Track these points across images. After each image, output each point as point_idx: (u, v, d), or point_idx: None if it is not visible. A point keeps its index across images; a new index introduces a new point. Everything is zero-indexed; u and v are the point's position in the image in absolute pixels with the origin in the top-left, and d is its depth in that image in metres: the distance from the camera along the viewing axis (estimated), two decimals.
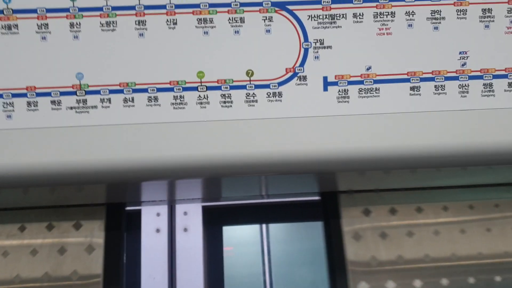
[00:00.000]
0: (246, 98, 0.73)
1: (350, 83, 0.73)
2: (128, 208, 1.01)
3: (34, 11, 0.71)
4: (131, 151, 0.72)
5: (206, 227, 1.10)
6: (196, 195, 1.01)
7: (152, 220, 1.08)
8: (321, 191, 0.98)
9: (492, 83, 0.73)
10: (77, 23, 0.71)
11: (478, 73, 0.73)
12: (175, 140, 0.72)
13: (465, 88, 0.73)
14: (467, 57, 0.73)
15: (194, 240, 1.09)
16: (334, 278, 0.91)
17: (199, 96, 0.72)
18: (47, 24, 0.71)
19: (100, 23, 0.71)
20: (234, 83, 0.73)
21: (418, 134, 0.72)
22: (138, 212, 1.08)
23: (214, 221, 1.14)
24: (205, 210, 1.11)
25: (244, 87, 0.73)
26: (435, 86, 0.73)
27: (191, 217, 1.11)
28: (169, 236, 1.07)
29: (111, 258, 0.91)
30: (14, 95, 0.71)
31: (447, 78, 0.73)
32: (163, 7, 0.72)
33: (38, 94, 0.71)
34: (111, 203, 0.94)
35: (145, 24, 0.72)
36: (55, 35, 0.71)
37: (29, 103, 0.71)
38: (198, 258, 1.08)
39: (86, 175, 0.71)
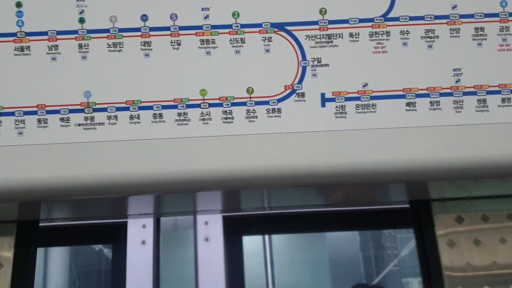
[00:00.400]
0: (247, 114, 0.75)
1: (347, 99, 0.75)
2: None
3: (45, 33, 0.74)
4: (137, 166, 0.74)
5: (227, 237, 1.12)
6: (216, 207, 1.03)
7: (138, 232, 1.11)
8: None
9: (485, 99, 0.75)
10: (85, 44, 0.75)
11: (472, 89, 0.75)
12: (179, 155, 0.75)
13: (459, 104, 0.75)
14: (461, 73, 0.75)
15: (215, 249, 1.11)
16: (430, 283, 0.91)
17: (202, 112, 0.75)
18: (57, 46, 0.74)
19: (108, 44, 0.75)
20: (235, 100, 0.75)
21: (413, 148, 0.73)
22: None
23: (234, 231, 1.15)
24: (226, 220, 1.12)
25: (244, 103, 0.75)
26: (431, 102, 0.75)
27: (211, 227, 1.13)
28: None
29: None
30: (25, 113, 0.74)
31: (442, 94, 0.75)
32: (168, 28, 0.75)
33: (48, 112, 0.74)
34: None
35: (150, 45, 0.75)
36: (65, 55, 0.74)
37: (39, 120, 0.74)
38: (219, 267, 1.10)
39: (97, 189, 0.74)
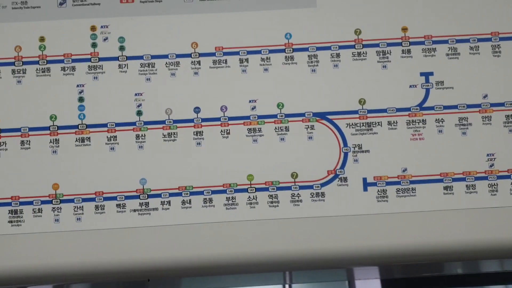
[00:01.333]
0: (291, 198, 0.79)
1: (388, 183, 0.78)
2: None
3: (104, 125, 0.79)
4: (188, 249, 0.77)
5: None
6: None
7: None
8: None
9: None
10: (142, 135, 0.79)
11: (506, 173, 0.78)
12: (228, 239, 0.78)
13: (494, 187, 0.78)
14: (495, 158, 0.78)
15: None
16: None
17: (249, 197, 0.79)
18: (115, 137, 0.79)
19: (163, 134, 0.80)
20: (280, 185, 0.79)
21: (452, 230, 0.76)
22: None
23: None
24: None
25: (289, 188, 0.79)
26: (467, 186, 0.78)
27: None
28: None
29: None
30: (84, 200, 0.78)
31: (477, 178, 0.78)
32: (218, 119, 0.80)
33: (105, 199, 0.78)
34: None
35: (202, 135, 0.80)
36: (122, 145, 0.79)
37: (96, 207, 0.78)
38: None
39: (149, 271, 0.77)
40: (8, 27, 0.81)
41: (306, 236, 0.78)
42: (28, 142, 0.79)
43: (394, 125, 0.80)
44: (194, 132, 0.80)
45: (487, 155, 0.79)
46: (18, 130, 0.80)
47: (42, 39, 0.81)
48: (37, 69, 0.80)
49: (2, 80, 0.80)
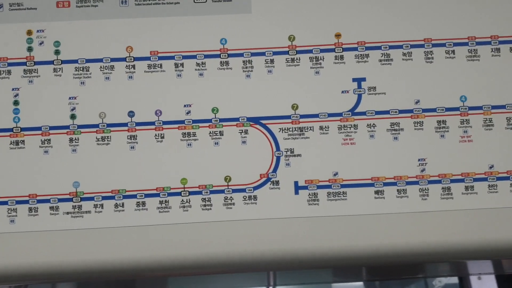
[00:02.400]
0: (224, 201, 0.78)
1: (319, 187, 0.78)
2: None
3: (39, 128, 0.79)
4: (123, 252, 0.76)
5: None
6: None
7: None
8: None
9: (450, 187, 0.77)
10: (75, 138, 0.79)
11: (437, 178, 0.77)
12: (159, 241, 0.77)
13: (425, 192, 0.77)
14: (426, 163, 0.78)
15: None
16: None
17: (182, 200, 0.78)
18: (49, 140, 0.79)
19: (96, 138, 0.79)
20: (214, 188, 0.78)
21: (382, 234, 0.75)
22: None
23: None
24: None
25: (222, 191, 0.78)
26: (398, 190, 0.77)
27: None
28: None
29: None
30: (17, 202, 0.77)
31: (408, 183, 0.77)
32: (153, 123, 0.79)
33: (39, 201, 0.77)
34: None
35: (136, 138, 0.79)
36: (56, 149, 0.78)
37: (30, 209, 0.77)
38: None
39: (84, 273, 0.75)
40: None
41: (238, 238, 0.77)
42: None
43: (325, 130, 0.79)
44: (128, 136, 0.79)
45: (419, 160, 0.78)
46: None
47: None
48: None
49: None
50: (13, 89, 0.80)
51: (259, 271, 0.80)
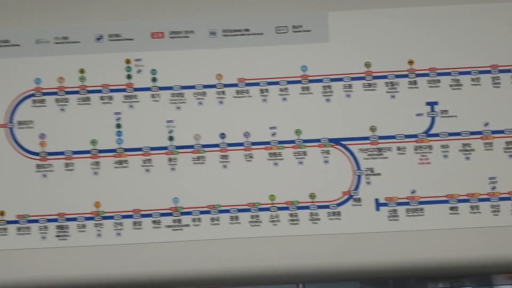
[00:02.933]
0: (310, 216, 0.84)
1: (398, 204, 0.84)
2: None
3: (140, 149, 0.86)
4: (219, 262, 0.83)
5: None
6: None
7: None
8: None
9: None
10: (174, 158, 0.86)
11: (507, 195, 0.83)
12: (252, 253, 0.84)
13: (496, 208, 0.83)
14: (496, 181, 0.84)
15: None
16: None
17: (271, 215, 0.84)
18: (150, 159, 0.86)
19: (192, 157, 0.86)
20: (300, 204, 0.85)
21: (458, 247, 0.81)
22: None
23: None
24: None
25: (308, 207, 0.84)
26: (471, 206, 0.83)
27: None
28: None
29: None
30: (123, 217, 0.85)
31: (480, 199, 0.83)
32: (242, 144, 0.86)
33: (142, 215, 0.85)
34: None
35: (227, 158, 0.85)
36: (156, 167, 0.85)
37: (134, 223, 0.85)
38: None
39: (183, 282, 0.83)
40: (51, 60, 0.87)
41: (323, 251, 0.83)
42: (72, 164, 0.86)
43: (403, 150, 0.85)
44: (220, 155, 0.86)
45: (489, 178, 0.84)
46: (62, 153, 0.86)
47: (82, 71, 0.87)
48: (78, 98, 0.87)
49: (47, 108, 0.87)
50: (115, 113, 0.87)
51: (348, 281, 0.87)
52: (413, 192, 0.85)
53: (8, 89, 0.87)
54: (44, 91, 0.87)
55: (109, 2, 0.88)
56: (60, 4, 0.88)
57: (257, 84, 0.87)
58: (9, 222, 0.85)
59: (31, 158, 0.86)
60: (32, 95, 0.87)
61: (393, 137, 0.86)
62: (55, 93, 0.87)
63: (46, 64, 0.87)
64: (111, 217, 0.85)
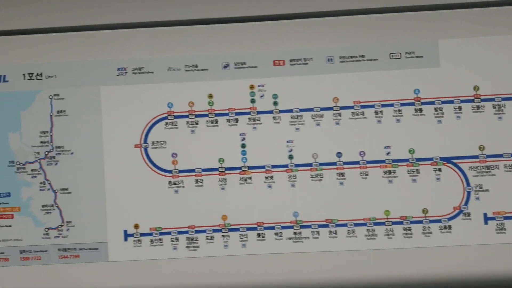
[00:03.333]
0: (423, 230, 0.98)
1: (506, 217, 0.97)
2: None
3: (263, 167, 1.01)
4: (338, 272, 0.98)
5: None
6: None
7: None
8: None
9: None
10: (293, 176, 1.01)
11: None
12: (367, 264, 0.98)
13: None
14: None
15: None
16: None
17: (386, 229, 0.98)
18: (272, 176, 1.01)
19: (310, 175, 1.01)
20: (413, 219, 0.98)
21: None
22: None
23: None
24: None
25: (421, 221, 0.98)
26: None
27: None
28: None
29: None
30: (248, 229, 1.00)
31: None
32: (357, 163, 1.01)
33: (265, 228, 1.00)
34: None
35: (344, 176, 1.00)
36: (278, 184, 1.00)
37: (258, 235, 1.00)
38: None
39: None
40: (182, 86, 1.04)
41: (435, 263, 0.97)
42: (201, 181, 1.02)
43: (509, 168, 0.99)
44: (337, 173, 1.01)
45: None
46: (193, 171, 1.02)
47: (210, 96, 1.04)
48: (207, 120, 1.03)
49: (178, 129, 1.04)
50: (240, 134, 1.03)
51: None
52: None
53: (143, 112, 1.04)
54: (176, 114, 1.04)
55: (235, 33, 1.04)
56: (190, 34, 1.05)
57: (372, 106, 1.02)
58: (143, 234, 1.02)
59: (164, 176, 1.03)
60: (165, 118, 1.04)
61: (500, 155, 1.00)
62: (186, 116, 1.04)
63: (178, 90, 1.04)
64: (237, 229, 1.01)
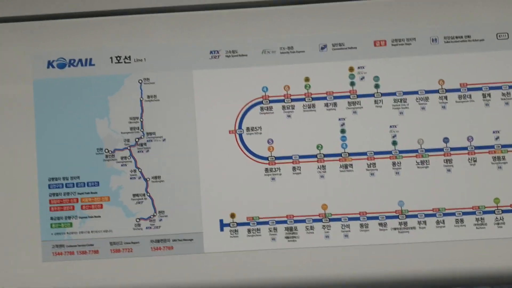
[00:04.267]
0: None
1: None
2: None
3: (364, 153, 0.99)
4: (445, 263, 0.96)
5: None
6: None
7: None
8: None
9: None
10: (398, 162, 0.99)
11: None
12: (478, 255, 0.96)
13: None
14: None
15: None
16: None
17: (496, 218, 0.97)
18: (374, 164, 0.99)
19: (416, 162, 0.98)
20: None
21: None
22: None
23: None
24: None
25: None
26: None
27: None
28: None
29: None
30: (350, 219, 0.98)
31: None
32: (465, 148, 0.98)
33: (368, 218, 0.98)
34: None
35: (451, 162, 0.98)
36: (380, 171, 0.98)
37: (361, 225, 0.98)
38: None
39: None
40: (277, 69, 1.02)
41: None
42: (299, 168, 1.00)
43: None
44: (444, 160, 0.99)
45: None
46: (290, 157, 1.00)
47: (307, 79, 1.02)
48: (303, 105, 1.01)
49: (274, 115, 1.02)
50: (339, 119, 1.01)
51: None
52: None
53: (236, 97, 1.02)
54: (271, 98, 1.02)
55: (332, 13, 1.02)
56: (285, 15, 1.03)
57: (479, 89, 1.00)
58: (239, 224, 1.00)
59: (260, 162, 1.01)
60: (260, 102, 1.02)
61: None
62: (281, 101, 1.02)
63: (273, 73, 1.02)
64: (338, 219, 0.99)
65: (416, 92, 1.03)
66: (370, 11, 1.04)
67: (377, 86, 1.03)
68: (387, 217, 1.01)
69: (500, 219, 0.99)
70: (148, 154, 1.04)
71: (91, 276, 1.02)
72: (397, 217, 1.01)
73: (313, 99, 1.04)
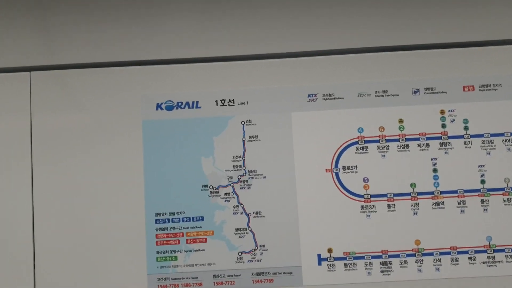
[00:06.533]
0: None
1: None
2: None
3: (455, 192, 1.14)
4: None
5: None
6: None
7: None
8: None
9: None
10: (486, 200, 1.14)
11: None
12: None
13: None
14: None
15: None
16: None
17: None
18: (464, 201, 1.15)
19: (503, 199, 1.14)
20: None
21: None
22: None
23: None
24: None
25: None
26: None
27: None
28: None
29: None
30: (441, 253, 1.13)
31: None
32: None
33: (459, 252, 1.12)
34: None
35: None
36: (471, 208, 1.13)
37: (452, 259, 1.12)
38: None
39: None
40: (372, 111, 1.16)
41: None
42: (393, 206, 1.15)
43: None
44: None
45: None
46: (385, 195, 1.15)
47: (401, 121, 1.16)
48: (397, 145, 1.16)
49: (369, 154, 1.16)
50: (432, 159, 1.16)
51: None
52: None
53: (333, 137, 1.17)
54: (366, 139, 1.16)
55: (425, 58, 1.17)
56: (379, 61, 1.18)
57: None
58: (336, 258, 1.15)
59: (356, 200, 1.16)
60: (356, 142, 1.17)
61: None
62: (376, 141, 1.16)
63: (368, 115, 1.17)
64: (430, 254, 1.14)
65: (502, 134, 1.18)
66: (460, 58, 1.19)
67: (466, 128, 1.18)
68: (476, 251, 1.16)
69: None
70: (249, 191, 1.18)
71: None
72: (485, 251, 1.15)
73: (407, 139, 1.18)
